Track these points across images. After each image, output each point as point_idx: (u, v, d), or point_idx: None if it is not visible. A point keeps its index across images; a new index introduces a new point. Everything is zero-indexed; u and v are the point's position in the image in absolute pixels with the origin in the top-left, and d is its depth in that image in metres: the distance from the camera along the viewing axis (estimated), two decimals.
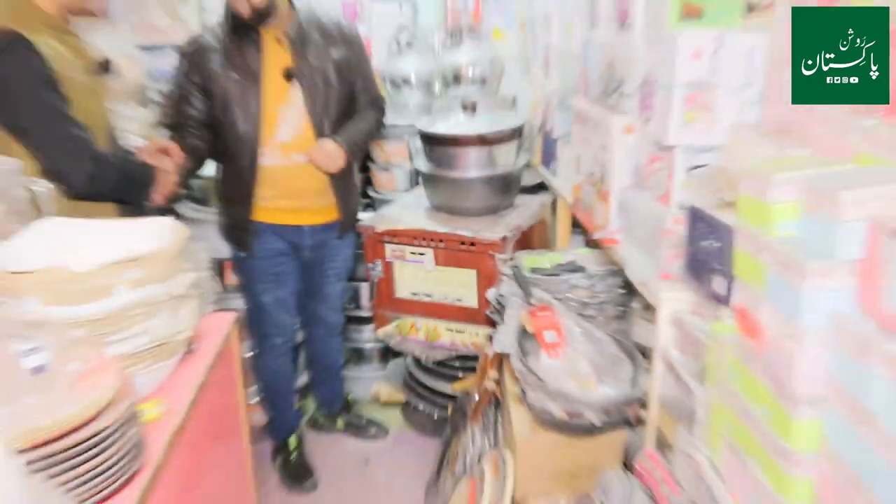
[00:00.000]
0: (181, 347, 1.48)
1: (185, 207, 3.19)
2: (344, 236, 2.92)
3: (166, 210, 2.38)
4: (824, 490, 1.03)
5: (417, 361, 3.21)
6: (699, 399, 1.39)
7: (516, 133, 2.84)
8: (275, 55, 2.58)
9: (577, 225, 2.72)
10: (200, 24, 4.04)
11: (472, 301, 2.74)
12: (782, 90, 1.43)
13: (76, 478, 1.07)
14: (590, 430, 1.90)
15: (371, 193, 3.55)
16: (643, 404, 1.86)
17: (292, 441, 3.08)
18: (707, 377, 1.35)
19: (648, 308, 2.03)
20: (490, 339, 2.47)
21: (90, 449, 1.09)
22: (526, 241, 2.80)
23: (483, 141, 2.74)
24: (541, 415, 1.92)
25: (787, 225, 1.09)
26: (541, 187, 3.19)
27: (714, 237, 1.38)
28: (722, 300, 1.37)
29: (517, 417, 2.11)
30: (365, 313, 3.45)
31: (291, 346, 3.02)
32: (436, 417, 3.18)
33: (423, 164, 2.91)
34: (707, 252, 1.41)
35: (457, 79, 3.45)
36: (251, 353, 2.98)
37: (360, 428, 3.32)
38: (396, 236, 2.79)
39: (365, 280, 3.18)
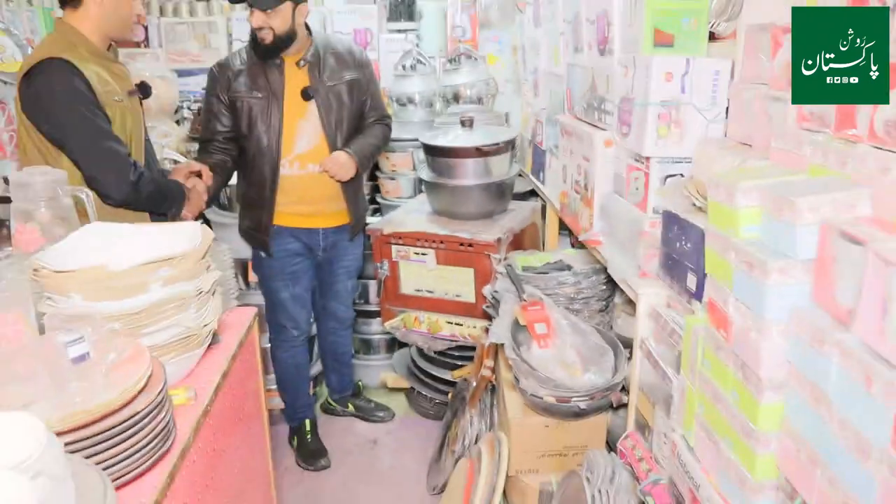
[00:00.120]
0: (207, 339, 1.47)
1: (211, 212, 3.19)
2: (354, 238, 2.93)
3: (195, 217, 2.40)
4: (787, 466, 1.03)
5: (421, 351, 3.20)
6: (675, 385, 1.39)
7: (509, 145, 2.84)
8: (294, 77, 2.60)
9: (564, 228, 2.72)
10: (228, 49, 4.06)
11: (470, 297, 2.74)
12: (744, 108, 1.44)
13: (112, 457, 1.07)
14: (576, 414, 1.90)
15: (379, 200, 3.55)
16: (624, 390, 1.86)
17: (307, 424, 3.07)
18: (682, 365, 1.35)
19: (629, 302, 2.03)
20: (486, 331, 2.47)
21: (125, 431, 1.09)
22: (518, 242, 2.79)
23: (479, 152, 2.74)
24: (532, 400, 1.92)
25: (751, 228, 1.09)
26: (532, 194, 3.19)
27: (686, 239, 1.38)
28: (694, 295, 1.37)
29: (511, 402, 2.11)
30: (373, 308, 3.44)
31: (306, 338, 3.02)
32: (437, 402, 3.17)
33: (425, 174, 2.91)
34: (680, 252, 1.41)
35: (456, 98, 3.46)
36: (269, 345, 2.98)
37: (368, 412, 3.32)
38: (401, 238, 2.78)
39: (373, 278, 3.18)
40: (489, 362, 2.42)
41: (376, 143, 2.82)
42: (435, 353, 3.07)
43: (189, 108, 3.88)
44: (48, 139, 2.03)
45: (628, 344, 1.88)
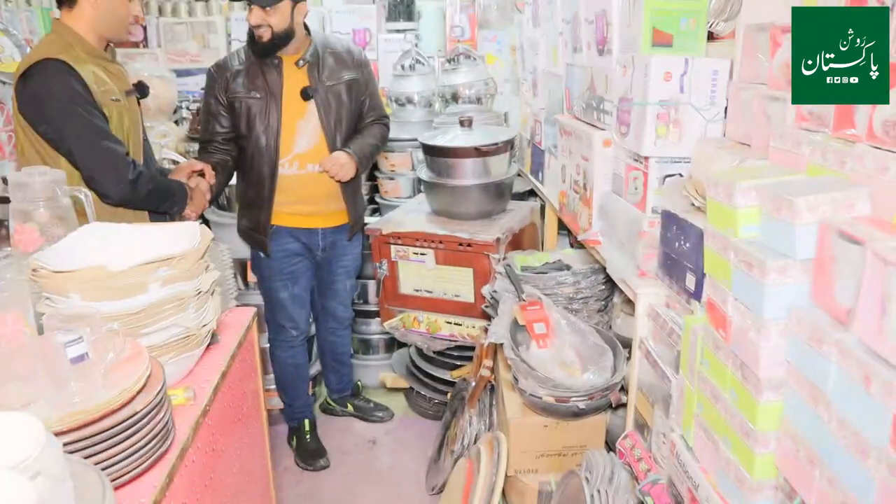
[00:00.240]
0: (206, 339, 1.47)
1: (210, 212, 3.19)
2: (353, 238, 2.93)
3: (198, 216, 2.40)
4: (786, 465, 1.03)
5: (420, 351, 3.20)
6: (674, 384, 1.39)
7: (508, 145, 2.84)
8: (293, 76, 2.60)
9: (563, 227, 2.72)
10: (227, 49, 4.06)
11: (469, 297, 2.74)
12: (743, 108, 1.44)
13: (111, 457, 1.07)
14: (575, 414, 1.90)
15: (378, 199, 3.55)
16: (623, 389, 1.86)
17: (306, 424, 3.07)
18: (681, 365, 1.35)
19: (628, 302, 2.03)
20: (485, 330, 2.47)
21: (124, 431, 1.09)
22: (517, 242, 2.79)
23: (478, 152, 2.74)
24: (531, 399, 1.92)
25: (750, 227, 1.09)
26: (531, 193, 3.19)
27: (685, 238, 1.38)
28: (693, 295, 1.37)
29: (510, 402, 2.11)
30: (372, 307, 3.44)
31: (305, 338, 3.02)
32: (436, 402, 3.17)
33: (424, 174, 2.91)
34: (679, 252, 1.41)
35: (455, 98, 3.46)
36: (268, 344, 2.98)
37: (367, 412, 3.32)
38: (401, 238, 2.78)
39: (372, 277, 3.18)
40: (488, 362, 2.42)
41: (375, 143, 2.82)
42: (434, 352, 3.07)
43: (188, 109, 3.88)
44: (45, 139, 2.03)
45: (627, 344, 1.88)
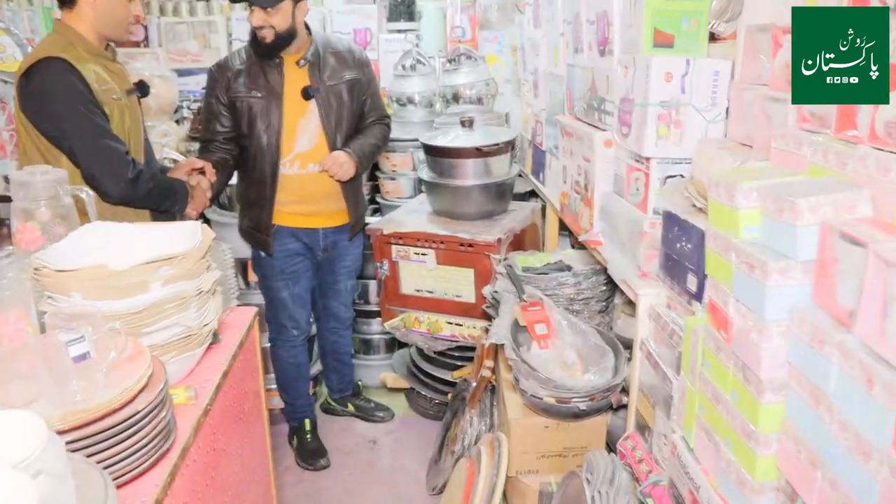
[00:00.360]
0: (208, 338, 1.47)
1: (211, 212, 3.20)
2: (354, 238, 2.93)
3: (199, 213, 2.40)
4: (787, 467, 1.03)
5: (420, 351, 3.20)
6: (675, 386, 1.39)
7: (509, 146, 2.84)
8: (294, 76, 2.60)
9: (564, 228, 2.72)
10: (228, 49, 4.06)
11: (470, 297, 2.74)
12: (744, 109, 1.44)
13: (113, 456, 1.07)
14: (576, 415, 1.90)
15: (379, 200, 3.55)
16: (624, 390, 1.86)
17: (307, 424, 3.07)
18: (682, 366, 1.35)
19: (629, 303, 2.03)
20: (486, 331, 2.47)
21: (126, 430, 1.09)
22: (518, 242, 2.80)
23: (479, 153, 2.74)
24: (532, 400, 1.92)
25: (751, 228, 1.09)
26: (532, 194, 3.19)
27: (687, 239, 1.38)
28: (694, 296, 1.37)
29: (511, 403, 2.11)
30: (373, 307, 3.44)
31: (306, 338, 3.02)
32: (437, 402, 3.17)
33: (425, 174, 2.91)
34: (680, 253, 1.42)
35: (456, 98, 3.45)
36: (269, 344, 2.98)
37: (368, 412, 3.32)
38: (402, 238, 2.78)
39: (373, 278, 3.18)
40: (489, 363, 2.42)
41: (376, 142, 2.82)
42: (435, 353, 3.07)
43: (189, 108, 3.88)
44: (47, 138, 2.03)
45: (628, 345, 1.88)
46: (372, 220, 3.07)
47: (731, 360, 1.13)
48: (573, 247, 2.64)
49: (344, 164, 2.62)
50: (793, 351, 1.01)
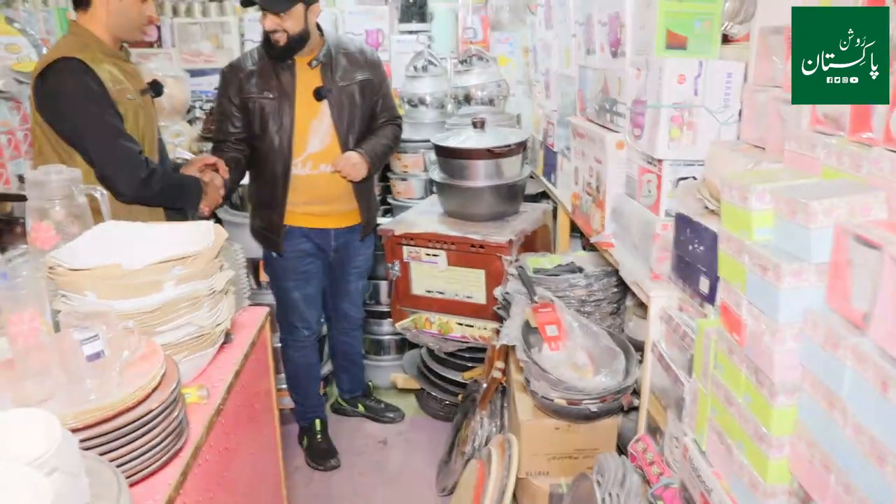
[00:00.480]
0: (220, 338, 1.48)
1: (223, 212, 3.21)
2: (365, 238, 2.94)
3: (213, 211, 2.41)
4: (800, 471, 1.03)
5: (431, 352, 3.21)
6: (687, 388, 1.38)
7: (521, 147, 2.84)
8: (306, 77, 2.61)
9: (575, 230, 2.72)
10: (240, 49, 4.08)
11: (480, 298, 2.74)
12: (757, 111, 1.43)
13: (126, 454, 1.08)
14: (587, 416, 1.89)
15: (390, 200, 3.56)
16: (636, 393, 1.86)
17: (317, 424, 3.08)
18: (694, 368, 1.34)
19: (640, 305, 2.03)
20: (497, 332, 2.47)
21: (139, 429, 1.10)
22: (530, 244, 2.79)
23: (491, 154, 2.74)
24: (543, 402, 1.92)
25: (764, 230, 1.08)
26: (543, 195, 3.19)
27: (699, 241, 1.37)
28: (707, 298, 1.36)
29: (521, 404, 2.11)
30: (384, 308, 3.45)
31: (317, 338, 3.03)
32: (447, 403, 3.17)
33: (437, 175, 2.91)
34: (693, 255, 1.41)
35: (467, 99, 3.45)
36: (280, 344, 2.99)
37: (378, 412, 3.32)
38: (413, 239, 2.79)
39: (384, 278, 3.19)
40: (500, 364, 2.42)
41: (388, 143, 2.82)
42: (445, 354, 3.07)
43: (201, 108, 3.90)
44: (62, 137, 2.05)
45: (640, 347, 1.88)
46: (383, 221, 3.08)
47: (744, 362, 1.12)
48: (584, 248, 2.64)
49: (356, 164, 2.62)
50: (806, 354, 1.00)
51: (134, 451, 1.09)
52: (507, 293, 2.32)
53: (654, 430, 1.66)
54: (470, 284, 2.75)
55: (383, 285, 3.39)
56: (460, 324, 2.81)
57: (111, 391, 1.09)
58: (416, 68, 3.56)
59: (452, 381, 3.11)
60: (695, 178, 1.61)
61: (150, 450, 1.12)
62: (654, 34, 1.61)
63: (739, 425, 1.14)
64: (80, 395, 1.08)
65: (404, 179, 3.47)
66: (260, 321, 1.79)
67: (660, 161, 1.64)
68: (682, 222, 1.45)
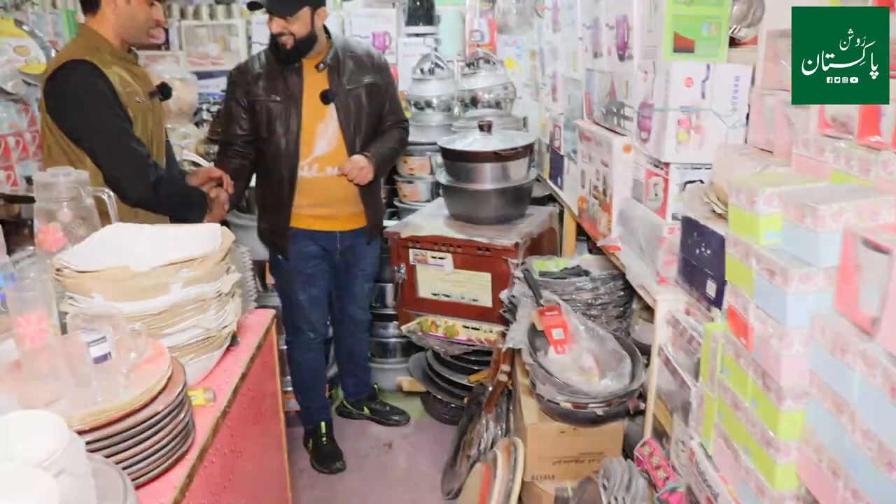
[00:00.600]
0: (226, 340, 1.49)
1: (230, 214, 3.22)
2: (371, 241, 2.94)
3: None
4: (807, 475, 1.02)
5: (437, 355, 3.21)
6: (693, 392, 1.38)
7: (527, 150, 2.84)
8: (314, 80, 2.61)
9: (581, 233, 2.71)
10: (248, 52, 4.10)
11: (486, 301, 2.74)
12: (765, 114, 1.43)
13: (133, 456, 1.08)
14: (593, 420, 1.89)
15: (396, 203, 3.56)
16: (642, 396, 1.85)
17: (322, 426, 3.08)
18: (701, 372, 1.34)
19: (647, 309, 2.02)
20: (503, 335, 2.46)
21: (145, 431, 1.10)
22: (536, 247, 2.79)
23: (497, 157, 2.74)
24: (549, 405, 1.91)
25: (772, 234, 1.08)
26: (549, 199, 3.19)
27: (706, 245, 1.37)
28: (714, 302, 1.36)
29: (527, 407, 2.11)
30: (390, 311, 3.45)
31: (322, 341, 3.03)
32: (453, 406, 3.17)
33: (443, 178, 2.91)
34: (700, 259, 1.41)
35: (474, 102, 3.46)
36: (285, 347, 3.00)
37: (384, 415, 3.32)
38: (419, 242, 2.79)
39: (390, 281, 3.19)
40: (506, 367, 2.41)
41: (394, 146, 2.83)
42: (451, 357, 3.07)
43: (208, 111, 3.92)
44: (71, 139, 2.06)
45: (646, 350, 1.87)
46: (389, 224, 3.08)
47: (751, 366, 1.12)
48: (591, 252, 2.64)
49: (363, 167, 2.62)
50: (814, 358, 1.00)
51: (140, 453, 1.09)
52: (513, 296, 2.32)
53: (661, 434, 1.65)
54: (476, 287, 2.75)
55: (389, 288, 3.39)
56: (466, 327, 2.82)
57: (118, 393, 1.10)
58: (422, 71, 3.57)
59: (458, 385, 3.11)
60: (702, 181, 1.61)
61: (156, 452, 1.12)
62: (661, 37, 1.61)
63: (746, 429, 1.14)
64: (87, 397, 1.08)
65: (410, 182, 3.47)
66: (266, 324, 1.79)
67: (667, 164, 1.64)
68: (689, 226, 1.45)
